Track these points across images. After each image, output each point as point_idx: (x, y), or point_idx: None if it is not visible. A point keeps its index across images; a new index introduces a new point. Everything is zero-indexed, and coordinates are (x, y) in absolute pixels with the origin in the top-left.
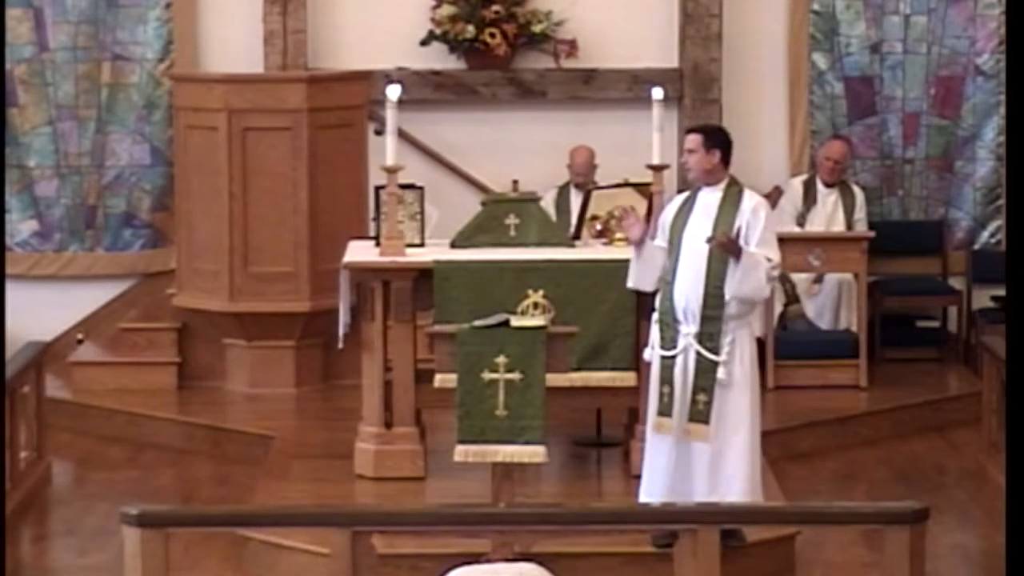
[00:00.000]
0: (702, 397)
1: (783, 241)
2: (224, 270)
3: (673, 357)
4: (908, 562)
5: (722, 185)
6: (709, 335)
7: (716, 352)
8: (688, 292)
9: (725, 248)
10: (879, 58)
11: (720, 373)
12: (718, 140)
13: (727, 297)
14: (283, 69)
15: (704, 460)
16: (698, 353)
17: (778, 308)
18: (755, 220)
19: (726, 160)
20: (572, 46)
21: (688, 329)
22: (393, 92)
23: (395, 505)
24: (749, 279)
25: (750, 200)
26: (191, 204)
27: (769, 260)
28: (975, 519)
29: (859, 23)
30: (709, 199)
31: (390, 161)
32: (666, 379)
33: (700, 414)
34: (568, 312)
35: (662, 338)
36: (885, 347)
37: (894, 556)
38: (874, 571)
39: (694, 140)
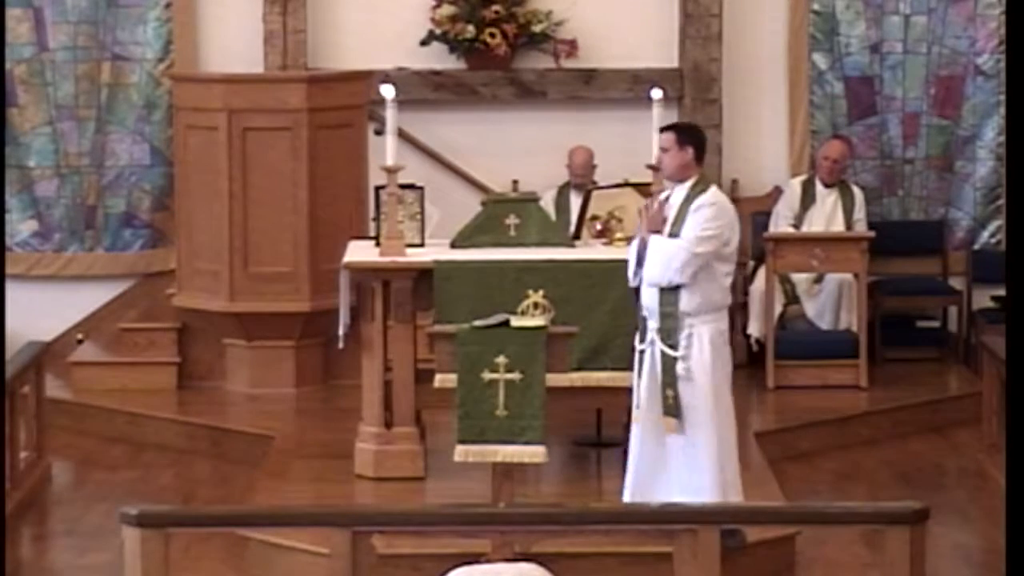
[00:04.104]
0: (670, 392)
1: (783, 242)
2: (224, 270)
3: (643, 351)
4: (908, 562)
5: (688, 184)
6: (668, 331)
7: (675, 348)
8: (651, 289)
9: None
10: (879, 58)
11: (679, 368)
12: (691, 137)
13: (646, 283)
14: (283, 69)
15: (679, 455)
16: (662, 349)
17: (778, 308)
18: (693, 214)
19: (699, 157)
20: (572, 46)
21: (653, 325)
22: (387, 92)
23: (395, 505)
24: (652, 262)
25: (703, 198)
26: (191, 204)
27: (684, 246)
28: (975, 519)
29: (859, 23)
30: (677, 197)
31: (390, 161)
32: (639, 371)
33: (671, 408)
34: (568, 312)
35: (640, 331)
36: (885, 347)
37: (894, 556)
38: (874, 571)
39: (667, 138)
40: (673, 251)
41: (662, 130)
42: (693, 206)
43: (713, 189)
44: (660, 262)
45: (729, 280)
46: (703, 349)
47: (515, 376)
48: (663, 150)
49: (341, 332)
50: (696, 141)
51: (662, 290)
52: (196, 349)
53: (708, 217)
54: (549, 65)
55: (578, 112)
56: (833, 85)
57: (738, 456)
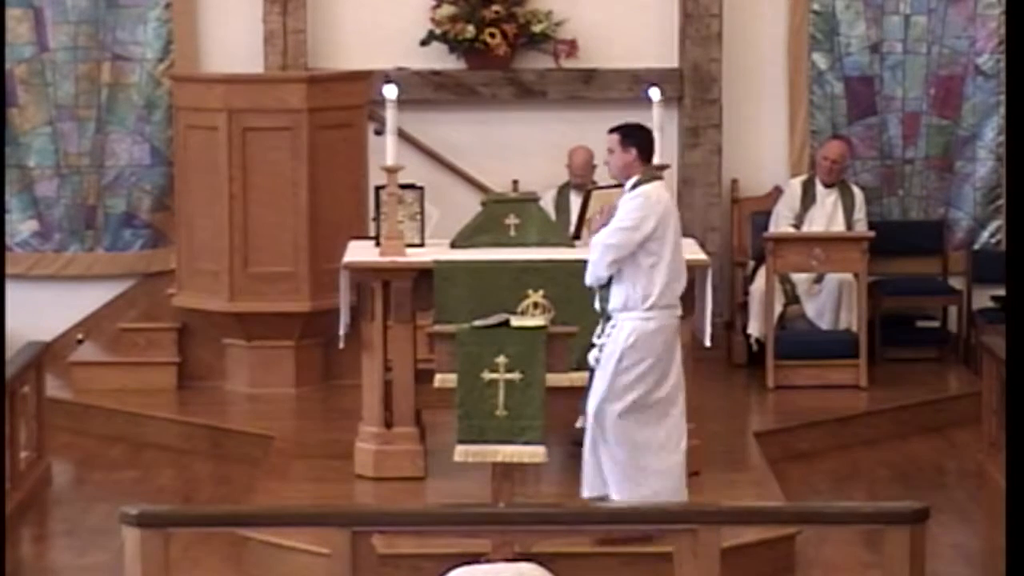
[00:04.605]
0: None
1: (783, 242)
2: (224, 270)
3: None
4: (908, 562)
5: (631, 182)
6: (604, 326)
7: (600, 337)
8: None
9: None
10: (879, 58)
11: (591, 357)
12: (634, 138)
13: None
14: (283, 69)
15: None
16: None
17: (778, 308)
18: (620, 208)
19: (644, 157)
20: (572, 46)
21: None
22: (390, 92)
23: (395, 505)
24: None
25: (633, 191)
26: (191, 204)
27: (598, 239)
28: (975, 519)
29: (859, 23)
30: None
31: (390, 161)
32: None
33: (584, 398)
34: (568, 312)
35: None
36: (885, 347)
37: (894, 556)
38: (874, 571)
39: (612, 140)
40: (591, 246)
41: (609, 131)
42: (624, 200)
43: (651, 185)
44: (591, 256)
45: (656, 274)
46: (616, 342)
47: (515, 376)
48: (609, 151)
49: (342, 332)
50: (640, 142)
51: (601, 286)
52: (196, 349)
53: (629, 208)
54: (549, 65)
55: (578, 112)
56: (833, 85)
57: (660, 464)
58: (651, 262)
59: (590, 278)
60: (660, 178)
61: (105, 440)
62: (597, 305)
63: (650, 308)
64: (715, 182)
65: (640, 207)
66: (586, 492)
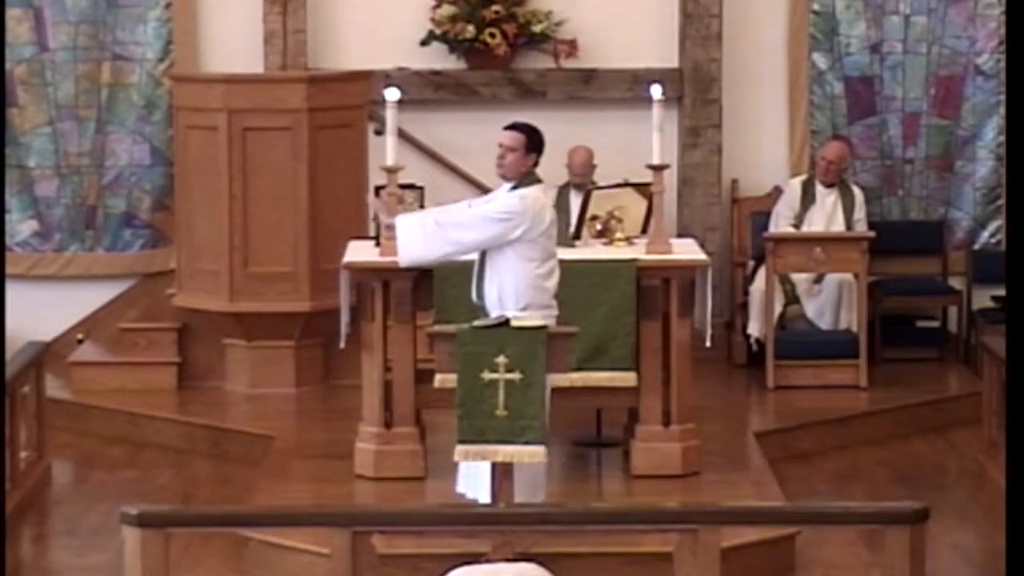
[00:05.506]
0: None
1: (783, 242)
2: (224, 270)
3: None
4: (908, 562)
5: (512, 183)
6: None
7: None
8: (483, 284)
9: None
10: (879, 58)
11: None
12: (537, 145)
13: None
14: (283, 69)
15: None
16: None
17: (778, 308)
18: (500, 198)
19: (537, 164)
20: (572, 46)
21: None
22: (392, 95)
23: (395, 505)
24: (410, 235)
25: (519, 191)
26: (191, 204)
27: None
28: (975, 519)
29: (859, 23)
30: (503, 188)
31: (390, 161)
32: None
33: None
34: (568, 312)
35: None
36: (885, 347)
37: (894, 556)
38: (874, 571)
39: (517, 140)
40: (407, 223)
41: (510, 127)
42: (502, 195)
43: (529, 188)
44: (414, 231)
45: (540, 277)
46: None
47: (515, 376)
48: (509, 149)
49: (343, 332)
50: (540, 150)
51: (478, 283)
52: (196, 349)
53: (505, 205)
54: (549, 65)
55: (578, 112)
56: (833, 85)
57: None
58: (521, 263)
59: (417, 253)
60: (540, 181)
61: (105, 440)
62: (477, 301)
63: (524, 308)
64: (715, 182)
65: (515, 207)
66: (460, 487)
